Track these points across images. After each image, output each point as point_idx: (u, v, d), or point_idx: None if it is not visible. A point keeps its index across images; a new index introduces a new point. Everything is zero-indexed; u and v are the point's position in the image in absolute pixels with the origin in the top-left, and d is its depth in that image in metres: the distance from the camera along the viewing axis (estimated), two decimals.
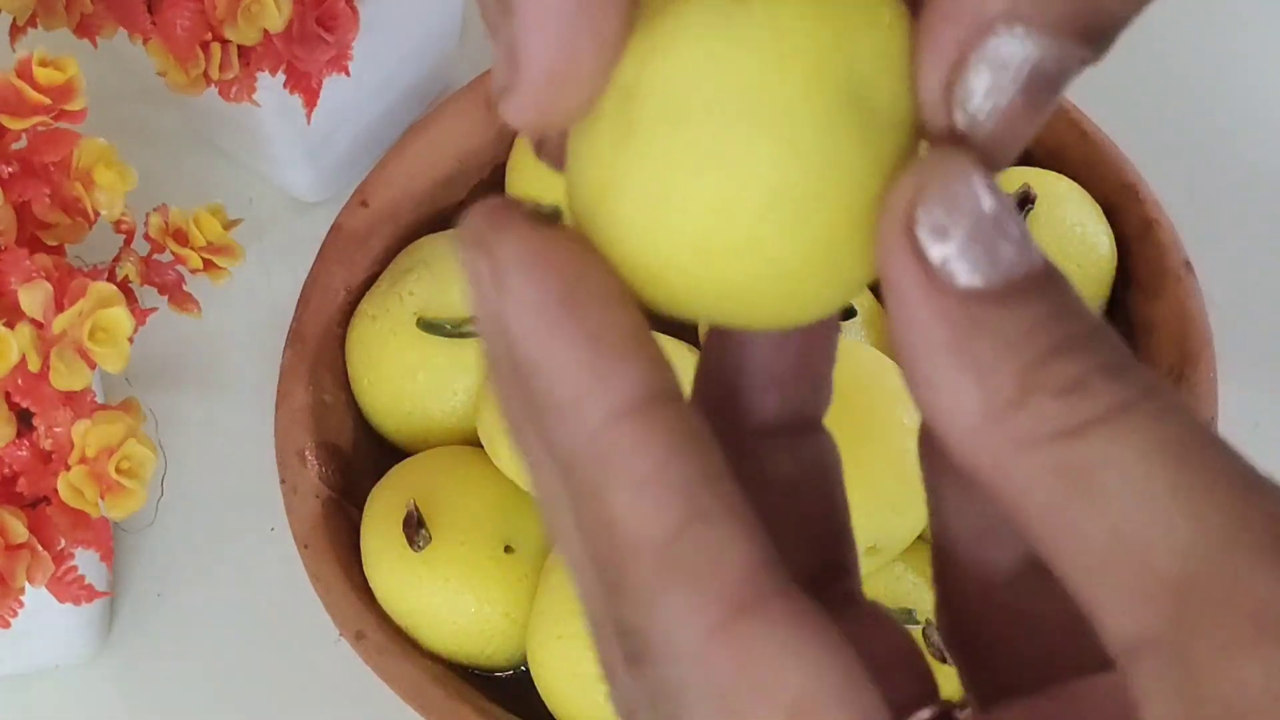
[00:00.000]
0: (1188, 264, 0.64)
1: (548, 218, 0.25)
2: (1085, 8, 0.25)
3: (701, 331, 0.64)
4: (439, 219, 0.70)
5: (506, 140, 0.70)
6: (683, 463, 0.24)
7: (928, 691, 0.28)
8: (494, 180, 0.70)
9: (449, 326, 0.63)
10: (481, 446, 0.62)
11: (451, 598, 0.60)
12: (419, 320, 0.64)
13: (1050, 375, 0.23)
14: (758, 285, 0.25)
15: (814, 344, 0.30)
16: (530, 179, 0.68)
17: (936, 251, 0.24)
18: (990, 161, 0.26)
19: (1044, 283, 0.24)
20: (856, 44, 0.25)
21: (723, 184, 0.24)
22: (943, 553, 0.30)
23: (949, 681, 0.59)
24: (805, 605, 0.24)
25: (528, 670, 0.60)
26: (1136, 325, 0.65)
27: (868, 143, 0.25)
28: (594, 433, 0.24)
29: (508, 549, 0.60)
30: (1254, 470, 0.23)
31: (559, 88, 0.25)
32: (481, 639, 0.60)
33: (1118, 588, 0.23)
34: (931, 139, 0.26)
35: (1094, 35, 0.26)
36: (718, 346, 0.30)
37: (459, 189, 0.70)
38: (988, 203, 0.24)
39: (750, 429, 0.29)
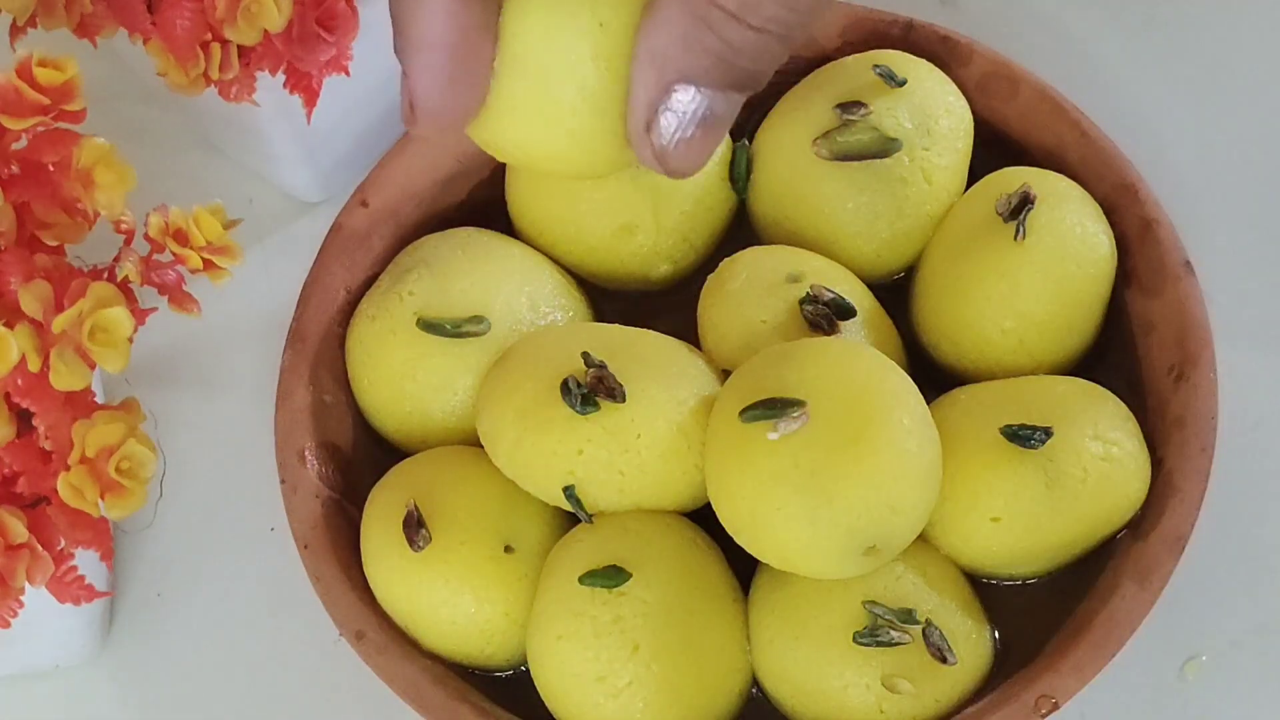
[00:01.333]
0: (1188, 264, 0.64)
1: None
2: (733, 71, 0.41)
3: (701, 334, 0.64)
4: (439, 219, 0.70)
5: None
6: None
7: None
8: (494, 180, 0.70)
9: (449, 326, 0.63)
10: (481, 446, 0.62)
11: (451, 598, 0.60)
12: (419, 320, 0.63)
13: None
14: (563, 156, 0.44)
15: None
16: (530, 179, 0.68)
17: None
18: (684, 173, 0.42)
19: None
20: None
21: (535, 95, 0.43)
22: None
23: (948, 683, 0.59)
24: None
25: (528, 670, 0.60)
26: (1136, 325, 0.65)
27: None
28: None
29: (508, 549, 0.60)
30: None
31: (447, 125, 0.43)
32: (481, 639, 0.60)
33: None
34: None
35: (748, 87, 0.42)
36: None
37: (459, 189, 0.70)
38: None
39: None
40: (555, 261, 0.68)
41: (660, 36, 0.40)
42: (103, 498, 0.54)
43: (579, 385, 0.59)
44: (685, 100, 0.40)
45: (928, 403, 0.59)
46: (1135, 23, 0.77)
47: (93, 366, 0.53)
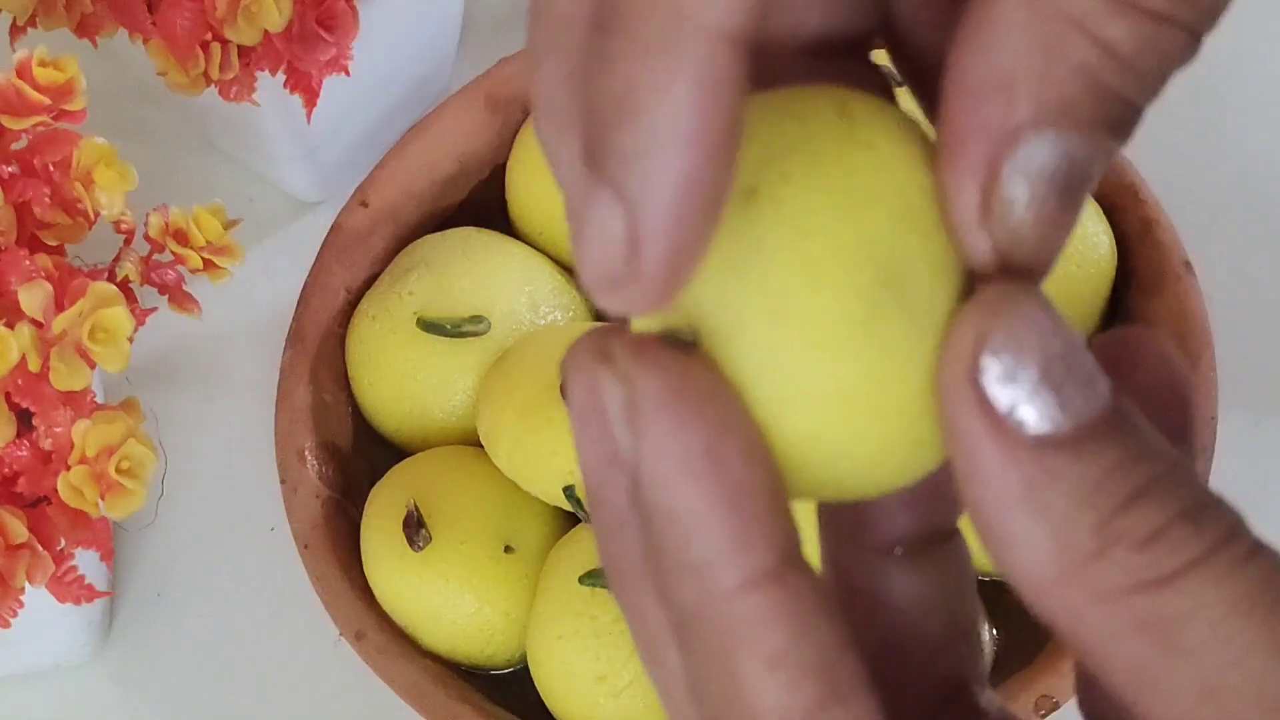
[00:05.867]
0: (1188, 264, 0.64)
1: (685, 344, 0.24)
2: (1111, 101, 0.24)
3: None
4: (439, 219, 0.70)
5: (506, 140, 0.70)
6: (815, 639, 0.24)
7: None
8: (494, 180, 0.70)
9: (449, 326, 0.63)
10: (481, 446, 0.62)
11: (451, 598, 0.60)
12: (419, 320, 0.64)
13: (1129, 526, 0.22)
14: (840, 477, 0.25)
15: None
16: (530, 179, 0.68)
17: (1004, 398, 0.23)
18: (1039, 270, 0.25)
19: (1117, 423, 0.23)
20: (882, 218, 0.24)
21: (778, 400, 0.24)
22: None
23: None
24: None
25: (528, 670, 0.60)
26: (1137, 325, 0.65)
27: (914, 318, 0.24)
28: (726, 597, 0.23)
29: (508, 549, 0.60)
30: None
31: (678, 278, 0.23)
32: (481, 639, 0.60)
33: None
34: (980, 275, 0.25)
35: (1122, 126, 0.25)
36: None
37: (459, 189, 0.70)
38: (1056, 343, 0.23)
39: (878, 547, 0.28)
40: (555, 261, 0.68)
41: (1001, 53, 0.24)
42: (103, 498, 0.54)
43: None
44: (1041, 154, 0.24)
45: None
46: None
47: (93, 366, 0.53)
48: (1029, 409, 0.23)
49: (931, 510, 0.28)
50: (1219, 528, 0.23)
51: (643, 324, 0.25)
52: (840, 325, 0.24)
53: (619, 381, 0.24)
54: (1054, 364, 0.23)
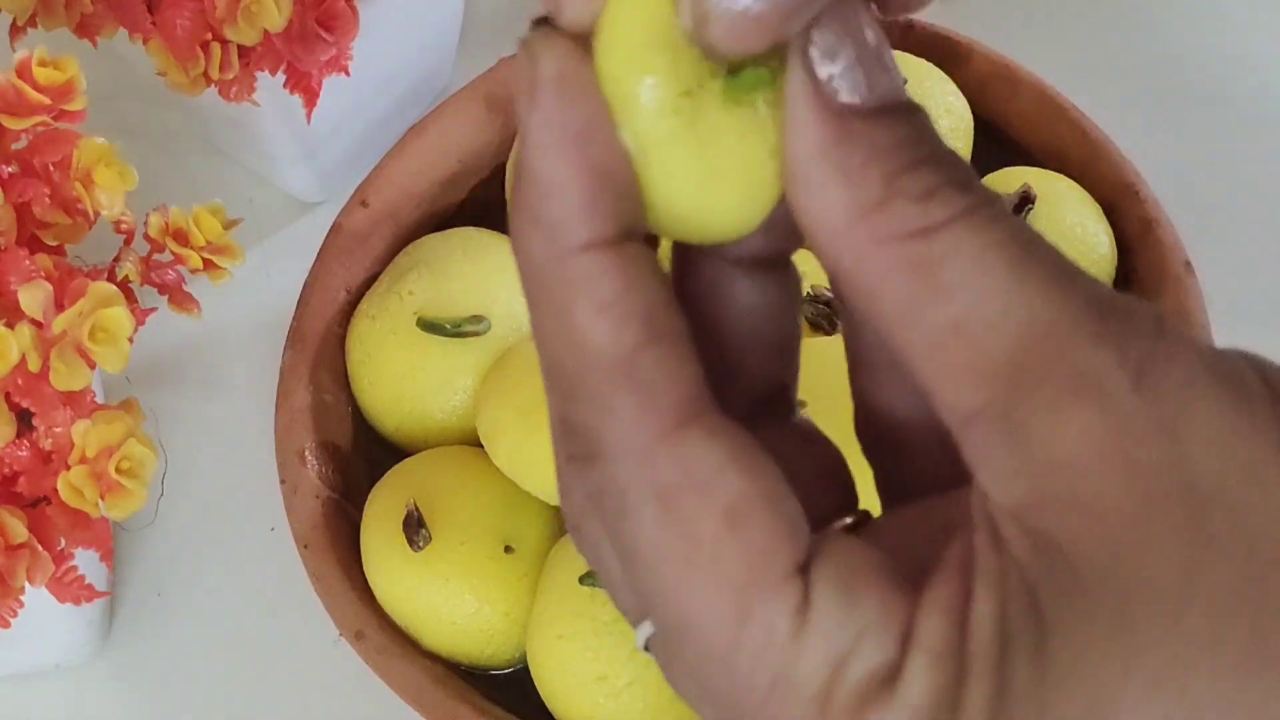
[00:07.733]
0: (1188, 264, 0.64)
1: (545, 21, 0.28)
2: None
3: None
4: (439, 219, 0.70)
5: (506, 140, 0.70)
6: (642, 293, 0.28)
7: (849, 503, 0.32)
8: (494, 180, 0.70)
9: (449, 326, 0.63)
10: (481, 446, 0.62)
11: (451, 598, 0.60)
12: (419, 320, 0.64)
13: (910, 183, 0.27)
14: (679, 200, 0.29)
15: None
16: None
17: (824, 70, 0.27)
18: (716, 42, 0.28)
19: (910, 112, 0.28)
20: None
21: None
22: (862, 377, 0.33)
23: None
24: (737, 425, 0.28)
25: (528, 670, 0.60)
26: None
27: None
28: (571, 253, 0.28)
29: (508, 549, 0.60)
30: (1071, 263, 0.27)
31: None
32: (481, 639, 0.60)
33: (955, 367, 0.27)
34: None
35: None
36: None
37: (459, 189, 0.70)
38: (871, 35, 0.27)
39: (731, 257, 0.32)
40: None
41: None
42: (103, 498, 0.54)
43: None
44: None
45: None
46: (1135, 23, 0.77)
47: (93, 366, 0.53)
48: (843, 81, 0.27)
49: (779, 236, 0.32)
50: (982, 193, 0.27)
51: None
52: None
53: (527, 59, 0.28)
54: (865, 51, 0.27)
